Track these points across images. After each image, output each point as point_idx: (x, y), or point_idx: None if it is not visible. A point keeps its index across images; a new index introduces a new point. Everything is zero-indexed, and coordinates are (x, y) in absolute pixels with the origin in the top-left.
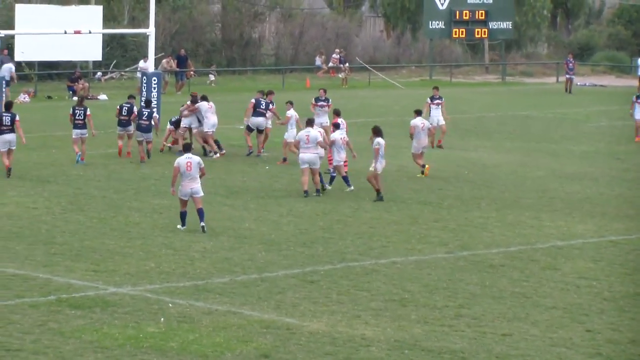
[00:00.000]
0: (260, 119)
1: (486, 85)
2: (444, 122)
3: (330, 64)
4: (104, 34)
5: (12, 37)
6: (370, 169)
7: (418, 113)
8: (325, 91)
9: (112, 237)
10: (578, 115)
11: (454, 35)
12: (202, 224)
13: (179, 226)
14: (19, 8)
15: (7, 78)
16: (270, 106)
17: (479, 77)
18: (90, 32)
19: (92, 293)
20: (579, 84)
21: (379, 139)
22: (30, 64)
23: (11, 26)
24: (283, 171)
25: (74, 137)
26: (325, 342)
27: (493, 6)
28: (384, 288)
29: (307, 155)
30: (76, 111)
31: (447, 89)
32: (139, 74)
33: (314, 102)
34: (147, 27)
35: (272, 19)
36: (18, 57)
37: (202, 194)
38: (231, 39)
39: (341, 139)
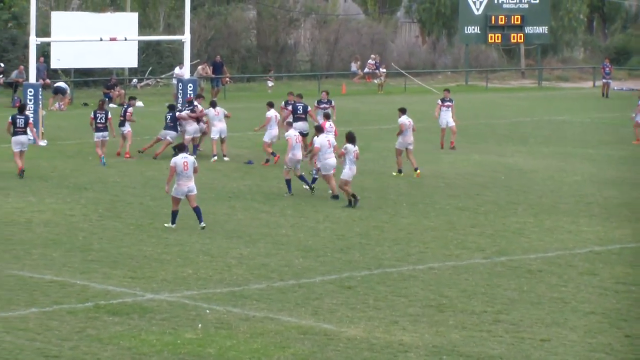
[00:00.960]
0: (300, 124)
1: (522, 90)
2: (454, 124)
3: (366, 70)
4: (139, 41)
5: (48, 44)
6: (342, 176)
7: (403, 111)
8: (327, 93)
9: (149, 244)
10: (615, 119)
11: (489, 41)
12: (203, 224)
13: (168, 224)
14: (55, 15)
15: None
16: (308, 109)
17: (514, 82)
18: (126, 39)
19: (130, 299)
20: (615, 88)
21: (349, 145)
22: (66, 71)
23: (47, 34)
24: (319, 177)
25: (95, 139)
26: (363, 348)
27: (529, 11)
28: (422, 294)
29: (332, 160)
30: (97, 115)
31: (483, 94)
32: (174, 81)
33: (316, 104)
34: (183, 33)
35: (307, 25)
36: (54, 64)
37: (196, 192)
38: (266, 45)
39: (328, 142)
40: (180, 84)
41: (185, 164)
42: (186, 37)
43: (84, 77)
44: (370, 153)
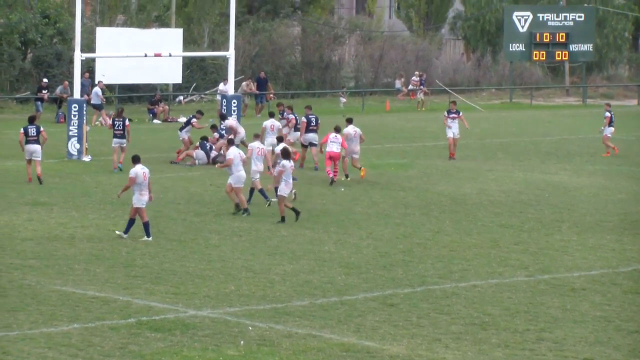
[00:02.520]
0: (311, 135)
1: (567, 107)
2: (458, 136)
3: (410, 87)
4: (184, 57)
5: (93, 60)
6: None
7: (349, 121)
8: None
9: (191, 260)
10: None
11: (534, 58)
12: (150, 238)
13: (120, 232)
14: (100, 31)
15: (98, 102)
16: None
17: (559, 100)
18: (170, 55)
19: (172, 316)
20: None
21: (285, 161)
22: (111, 87)
23: (92, 49)
24: (362, 194)
25: (113, 145)
26: None
27: (574, 28)
28: (465, 311)
29: (243, 172)
30: (116, 122)
31: (528, 111)
32: (218, 97)
33: (281, 116)
34: (227, 49)
35: (351, 41)
36: (99, 79)
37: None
38: (311, 61)
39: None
40: (224, 100)
41: (145, 174)
42: (230, 53)
43: (128, 93)
44: (413, 170)
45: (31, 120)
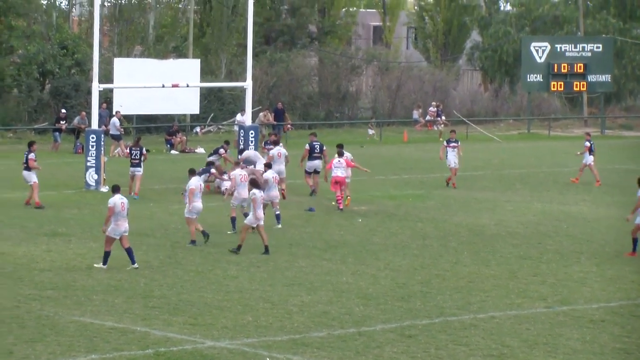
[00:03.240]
0: (316, 162)
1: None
2: (458, 166)
3: (428, 117)
4: (201, 87)
5: (111, 90)
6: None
7: (275, 143)
8: (275, 135)
9: (209, 291)
10: None
11: (552, 89)
12: (136, 265)
13: (99, 265)
14: (117, 62)
15: (116, 132)
16: (324, 148)
17: (577, 131)
18: (188, 86)
19: (190, 347)
20: None
21: (256, 191)
22: (128, 118)
23: (110, 80)
24: (380, 225)
25: (130, 174)
26: None
27: (592, 59)
28: (483, 343)
29: (199, 204)
30: (133, 151)
31: (546, 142)
32: (236, 127)
33: (263, 145)
34: (245, 80)
35: (369, 72)
36: (117, 110)
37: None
38: (328, 92)
39: (273, 177)
40: (242, 130)
41: (123, 204)
42: (248, 84)
43: (146, 124)
44: (431, 201)
45: (29, 145)
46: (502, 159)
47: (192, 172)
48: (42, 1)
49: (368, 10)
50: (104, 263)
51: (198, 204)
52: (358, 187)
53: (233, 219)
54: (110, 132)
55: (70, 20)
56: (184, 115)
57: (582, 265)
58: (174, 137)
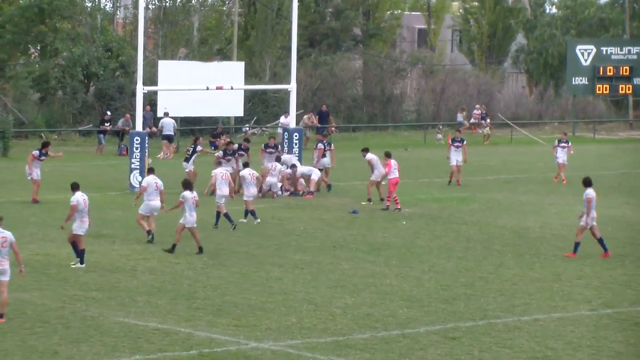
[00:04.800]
0: (325, 160)
1: (630, 141)
2: (461, 164)
3: (472, 120)
4: (245, 90)
5: (155, 93)
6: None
7: (366, 150)
8: (275, 139)
9: (253, 292)
10: None
11: (597, 92)
12: (84, 265)
13: (76, 264)
14: (162, 64)
15: (171, 133)
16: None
17: (622, 134)
18: (232, 88)
19: (234, 348)
20: None
21: (186, 192)
22: (170, 119)
23: (154, 82)
24: (424, 227)
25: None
26: None
27: (638, 62)
28: (527, 345)
29: (156, 202)
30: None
31: (591, 145)
32: (280, 130)
33: (263, 148)
34: (289, 83)
35: (413, 75)
36: (161, 112)
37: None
38: (372, 95)
39: (250, 175)
40: (286, 132)
41: (85, 201)
42: (292, 87)
43: (190, 126)
44: (475, 204)
45: (43, 146)
46: (546, 162)
47: (150, 171)
48: (87, 4)
49: (413, 12)
50: (81, 262)
51: (153, 202)
52: (402, 189)
53: (227, 215)
54: (164, 132)
55: (114, 22)
56: (228, 117)
57: (626, 268)
58: (218, 139)
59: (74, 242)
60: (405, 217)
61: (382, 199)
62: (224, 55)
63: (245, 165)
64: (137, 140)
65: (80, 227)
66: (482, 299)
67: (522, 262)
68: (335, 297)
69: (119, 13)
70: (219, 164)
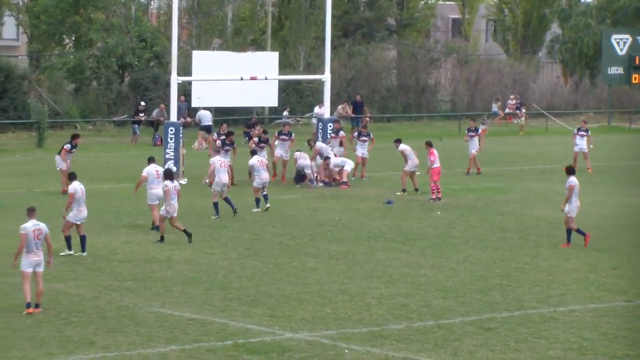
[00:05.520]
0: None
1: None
2: (476, 152)
3: (507, 110)
4: (280, 80)
5: (189, 83)
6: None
7: (399, 141)
8: (289, 126)
9: (288, 283)
10: None
11: (633, 81)
12: (85, 253)
13: (65, 253)
14: (196, 55)
15: (209, 123)
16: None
17: None
18: (266, 78)
19: (269, 338)
20: None
21: (168, 182)
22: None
23: (188, 72)
24: (459, 218)
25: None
26: None
27: None
28: (563, 336)
29: (157, 190)
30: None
31: (626, 135)
32: (314, 120)
33: (276, 135)
34: (323, 73)
35: (448, 65)
36: (195, 103)
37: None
38: (407, 85)
39: (259, 162)
40: (320, 123)
41: (82, 190)
42: (326, 77)
43: (224, 116)
44: (511, 194)
45: (72, 138)
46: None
47: (150, 160)
48: None
49: (447, 2)
50: (69, 249)
51: (156, 190)
52: (475, 178)
53: (215, 204)
54: (203, 123)
55: (148, 13)
56: (262, 107)
57: None
58: (252, 129)
59: (81, 232)
60: (440, 207)
61: (416, 189)
62: (257, 45)
63: (253, 153)
64: (171, 130)
65: (76, 216)
66: (518, 290)
67: (558, 252)
68: (370, 287)
69: (153, 3)
70: (217, 152)
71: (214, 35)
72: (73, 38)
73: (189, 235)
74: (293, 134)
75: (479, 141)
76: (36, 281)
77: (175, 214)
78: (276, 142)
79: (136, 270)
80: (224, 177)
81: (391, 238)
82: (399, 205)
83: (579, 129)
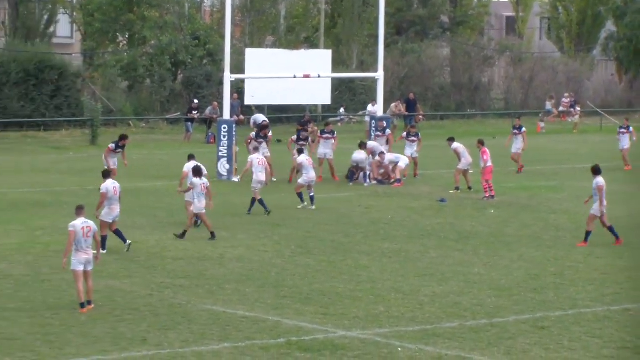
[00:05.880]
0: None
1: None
2: (520, 152)
3: (561, 108)
4: (333, 78)
5: (242, 81)
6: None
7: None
8: (332, 125)
9: (341, 281)
10: None
11: None
12: (129, 242)
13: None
14: (249, 52)
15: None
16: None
17: None
18: (319, 76)
19: (322, 336)
20: None
21: (195, 179)
22: (260, 108)
23: (241, 70)
24: (513, 216)
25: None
26: None
27: None
28: (617, 335)
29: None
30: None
31: None
32: (367, 118)
33: (319, 134)
34: (376, 71)
35: (501, 63)
36: (248, 100)
37: None
38: (460, 82)
39: (307, 160)
40: (373, 121)
41: (115, 189)
42: (379, 75)
43: (277, 114)
44: (565, 192)
45: (121, 139)
46: (637, 150)
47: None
48: None
49: (501, 0)
50: (103, 248)
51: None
52: (519, 177)
53: (261, 201)
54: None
55: (202, 10)
56: (316, 105)
57: None
58: (305, 127)
59: (105, 232)
60: (494, 205)
61: (469, 188)
62: (311, 43)
63: (300, 151)
64: (224, 128)
65: (108, 214)
66: (572, 288)
67: (612, 251)
68: (423, 285)
69: (206, 1)
70: (255, 149)
71: (267, 33)
72: (127, 36)
73: (182, 234)
74: (336, 133)
75: (523, 139)
76: (85, 279)
77: (203, 211)
78: (319, 141)
79: (189, 267)
80: (260, 176)
81: (444, 236)
82: (452, 203)
83: (621, 127)
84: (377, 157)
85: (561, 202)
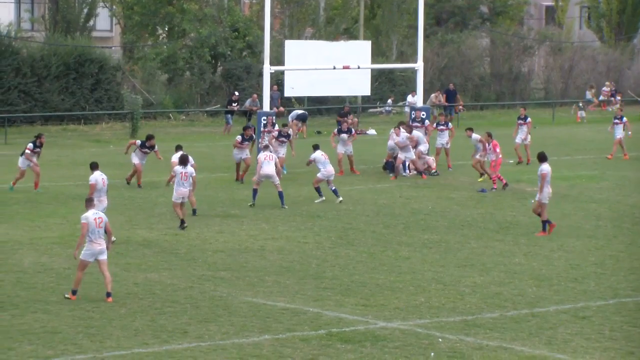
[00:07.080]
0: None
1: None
2: (528, 142)
3: (601, 98)
4: (372, 69)
5: (282, 73)
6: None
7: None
8: (347, 123)
9: (381, 272)
10: None
11: None
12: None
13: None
14: (288, 44)
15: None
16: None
17: None
18: (358, 68)
19: (362, 327)
20: None
21: (178, 167)
22: (299, 99)
23: (281, 62)
24: (553, 206)
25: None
26: None
27: None
28: None
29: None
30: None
31: None
32: (407, 109)
33: (335, 132)
34: (416, 61)
35: (541, 52)
36: (288, 92)
37: None
38: (500, 73)
39: (322, 155)
40: (413, 111)
41: (104, 180)
42: (419, 65)
43: (317, 105)
44: (605, 182)
45: (148, 139)
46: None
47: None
48: None
49: None
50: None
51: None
52: (530, 168)
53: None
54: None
55: (241, 3)
56: (355, 97)
57: None
58: (345, 119)
59: None
60: (533, 195)
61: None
62: (350, 34)
63: (316, 147)
64: (264, 119)
65: (96, 206)
66: (613, 278)
67: None
68: (463, 276)
69: None
70: (265, 147)
71: (307, 25)
72: (166, 29)
73: (182, 222)
74: (353, 130)
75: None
76: (101, 270)
77: (185, 200)
78: (335, 139)
79: (229, 260)
80: (267, 169)
81: (484, 226)
82: (493, 193)
83: (614, 117)
84: (419, 148)
85: (601, 191)
